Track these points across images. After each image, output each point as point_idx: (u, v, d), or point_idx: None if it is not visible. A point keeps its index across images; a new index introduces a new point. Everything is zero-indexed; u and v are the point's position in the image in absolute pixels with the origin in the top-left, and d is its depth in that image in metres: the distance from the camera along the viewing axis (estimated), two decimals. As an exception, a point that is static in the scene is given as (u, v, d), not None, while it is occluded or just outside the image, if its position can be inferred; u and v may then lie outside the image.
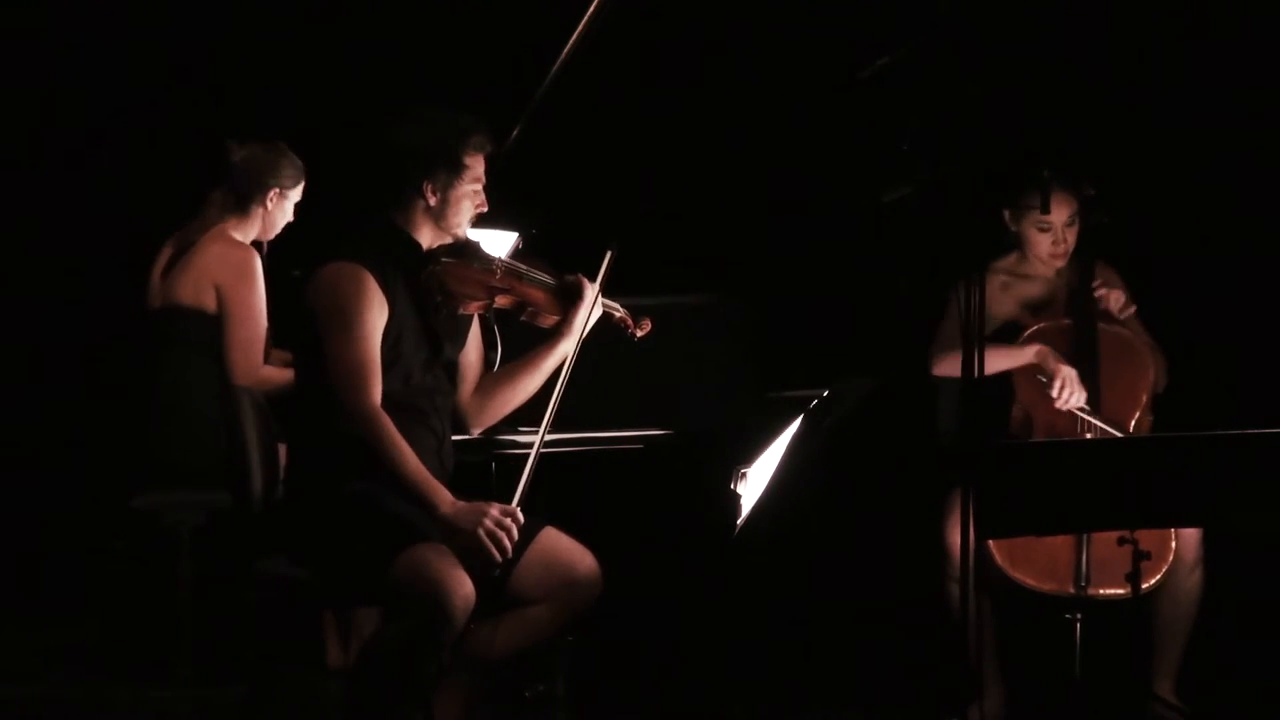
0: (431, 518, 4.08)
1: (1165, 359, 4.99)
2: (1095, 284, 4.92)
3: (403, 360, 4.18)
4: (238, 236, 5.04)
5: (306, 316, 4.16)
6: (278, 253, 5.15)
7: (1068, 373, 4.79)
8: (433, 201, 4.20)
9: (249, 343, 4.96)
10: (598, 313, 4.32)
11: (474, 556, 4.03)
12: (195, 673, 5.03)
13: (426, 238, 4.25)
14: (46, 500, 5.80)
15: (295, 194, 5.09)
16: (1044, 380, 4.81)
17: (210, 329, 4.98)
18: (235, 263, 4.98)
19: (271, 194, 5.05)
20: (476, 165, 4.22)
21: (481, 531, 4.05)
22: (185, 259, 5.01)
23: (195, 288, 4.99)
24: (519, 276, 4.28)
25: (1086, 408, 4.80)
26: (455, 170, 4.19)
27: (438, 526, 4.07)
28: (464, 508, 4.09)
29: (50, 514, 5.79)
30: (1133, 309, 4.95)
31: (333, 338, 4.10)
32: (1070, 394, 4.78)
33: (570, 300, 4.31)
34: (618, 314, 4.38)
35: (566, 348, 4.28)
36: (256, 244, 5.09)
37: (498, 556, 4.05)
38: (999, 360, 4.83)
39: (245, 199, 5.05)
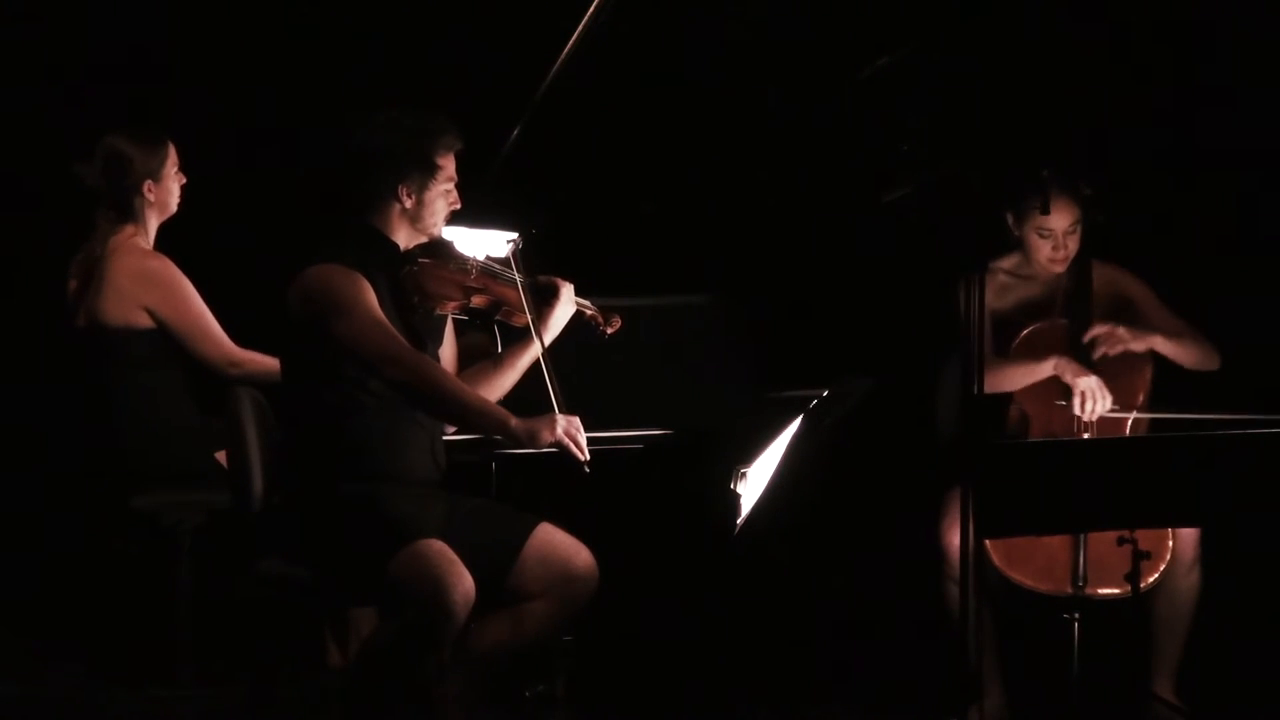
0: (505, 431, 4.10)
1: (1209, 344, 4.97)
2: (1092, 330, 4.88)
3: None
4: (141, 242, 5.03)
5: (295, 320, 4.17)
6: (261, 255, 5.15)
7: (1087, 384, 4.78)
8: (408, 204, 4.23)
9: (210, 338, 4.98)
10: (572, 310, 4.37)
11: (561, 459, 4.10)
12: (195, 673, 5.03)
13: (404, 239, 4.28)
14: (46, 500, 5.79)
15: (169, 169, 5.05)
16: (1064, 403, 4.80)
17: (145, 344, 4.98)
18: (154, 278, 4.98)
19: (145, 186, 5.04)
20: (449, 165, 4.25)
21: (560, 433, 4.09)
22: (100, 276, 4.98)
23: (120, 308, 4.97)
24: (494, 276, 4.32)
25: (1116, 407, 4.79)
26: (429, 172, 4.22)
27: (517, 437, 4.09)
28: (532, 420, 4.13)
29: (50, 514, 5.79)
30: (1125, 337, 4.87)
31: (341, 320, 4.09)
32: (1093, 406, 4.78)
33: (544, 299, 4.35)
34: (588, 312, 4.44)
35: (541, 346, 4.31)
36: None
37: (582, 455, 4.09)
38: (1018, 377, 4.84)
39: (125, 205, 5.03)
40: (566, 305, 4.35)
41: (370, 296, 4.13)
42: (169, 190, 5.07)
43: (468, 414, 4.15)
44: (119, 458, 5.04)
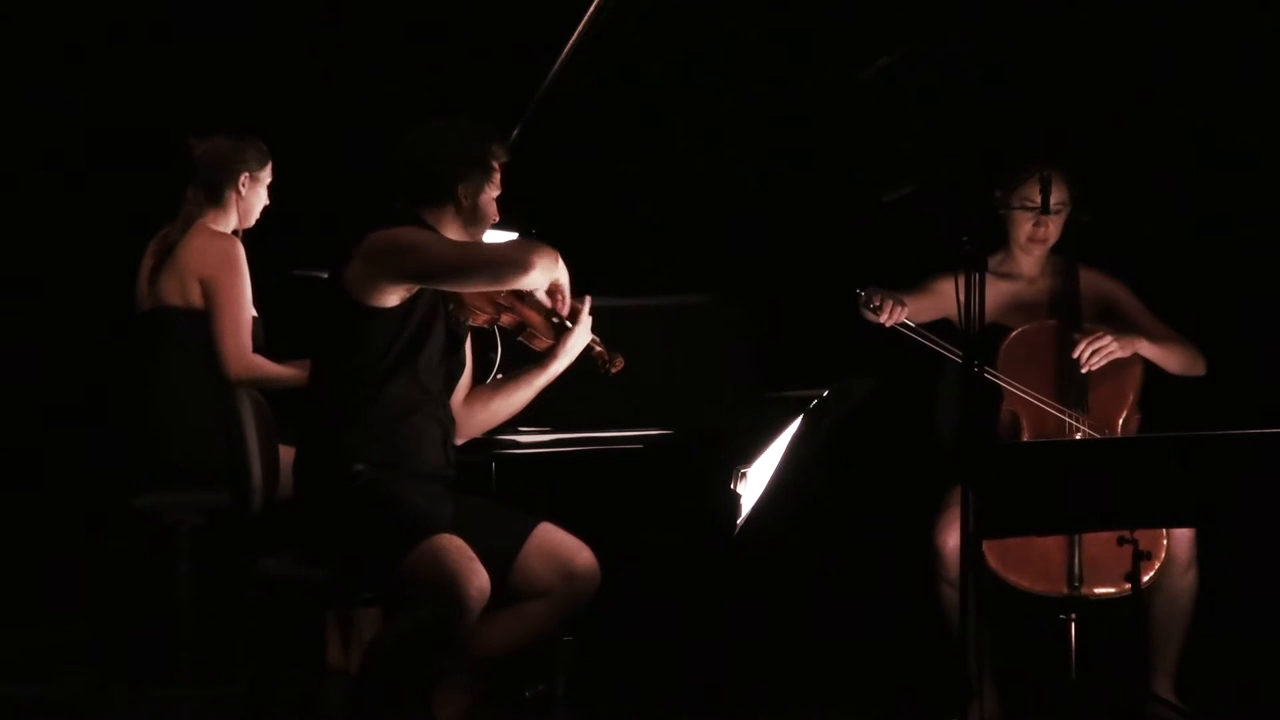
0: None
1: (1195, 348, 4.97)
2: (1079, 343, 4.88)
3: (429, 344, 4.24)
4: (217, 228, 5.08)
5: (350, 282, 4.19)
6: (278, 252, 5.17)
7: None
8: (465, 204, 4.30)
9: (236, 328, 4.98)
10: (588, 339, 4.40)
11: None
12: (195, 673, 5.03)
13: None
14: (46, 500, 5.80)
15: (266, 176, 5.14)
16: (862, 296, 4.81)
17: (201, 327, 5.00)
18: (217, 253, 5.02)
19: (242, 179, 5.09)
20: (498, 171, 4.34)
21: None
22: (170, 260, 5.04)
23: (182, 286, 5.01)
24: (521, 298, 4.37)
25: (909, 324, 4.81)
26: (486, 173, 4.32)
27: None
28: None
29: (50, 514, 5.79)
30: (1112, 349, 4.88)
31: (416, 248, 4.19)
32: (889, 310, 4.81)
33: (564, 326, 4.39)
34: (597, 348, 4.45)
35: (557, 369, 4.38)
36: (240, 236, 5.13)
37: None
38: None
39: (216, 190, 5.09)
40: (583, 333, 4.39)
41: (437, 234, 4.25)
42: (257, 196, 5.13)
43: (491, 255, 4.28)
44: (139, 443, 5.05)
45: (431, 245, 4.21)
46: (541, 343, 4.39)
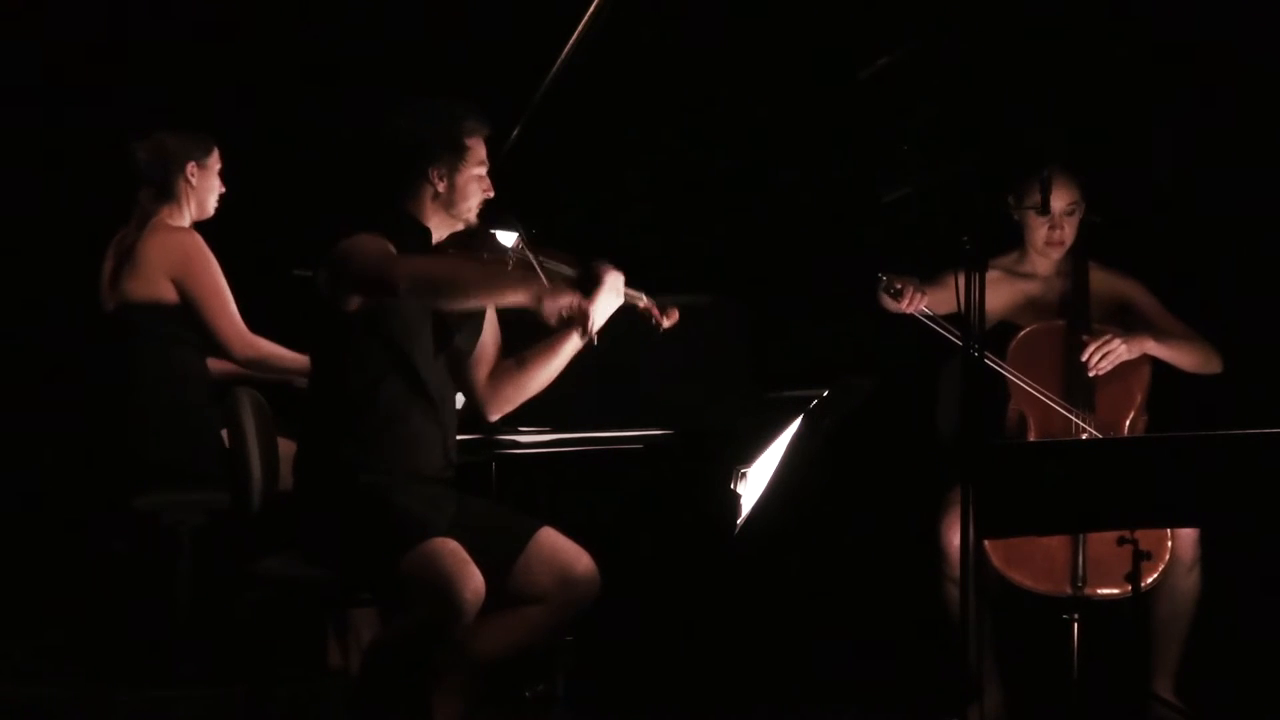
0: (527, 290, 4.01)
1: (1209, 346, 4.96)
2: (1085, 342, 4.87)
3: (419, 341, 4.19)
4: (174, 223, 5.11)
5: (323, 293, 4.14)
6: (278, 253, 5.17)
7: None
8: (441, 188, 4.21)
9: (227, 313, 5.04)
10: (618, 301, 4.20)
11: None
12: (195, 673, 5.03)
13: (438, 226, 4.26)
14: (46, 500, 5.79)
15: (214, 163, 5.17)
16: (884, 280, 4.80)
17: (169, 320, 5.03)
18: (180, 248, 5.06)
19: (190, 170, 5.14)
20: (478, 148, 4.23)
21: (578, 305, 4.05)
22: (131, 260, 5.08)
23: (147, 282, 5.05)
24: (532, 266, 4.21)
25: (928, 311, 4.80)
26: (458, 154, 4.20)
27: (540, 299, 4.00)
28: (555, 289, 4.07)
29: (50, 514, 5.79)
30: (1120, 351, 4.87)
31: (349, 262, 4.05)
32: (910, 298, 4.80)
33: (588, 288, 4.17)
34: (641, 304, 4.29)
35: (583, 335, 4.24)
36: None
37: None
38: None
39: (167, 185, 5.14)
40: (610, 296, 4.16)
41: (384, 242, 4.09)
42: (209, 185, 5.17)
43: (487, 280, 4.07)
44: (129, 444, 5.05)
45: (359, 254, 4.06)
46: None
